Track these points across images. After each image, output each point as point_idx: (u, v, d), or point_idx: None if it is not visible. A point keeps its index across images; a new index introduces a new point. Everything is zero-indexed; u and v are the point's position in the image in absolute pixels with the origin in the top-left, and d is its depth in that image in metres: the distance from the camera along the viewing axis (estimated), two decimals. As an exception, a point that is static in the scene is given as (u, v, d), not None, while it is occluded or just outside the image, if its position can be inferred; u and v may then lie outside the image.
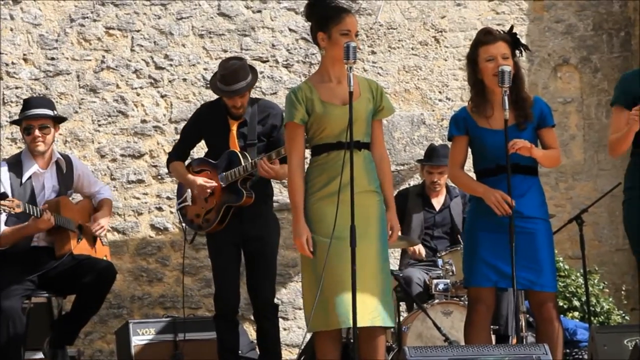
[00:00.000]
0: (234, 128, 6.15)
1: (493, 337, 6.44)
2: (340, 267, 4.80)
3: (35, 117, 6.29)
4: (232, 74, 6.07)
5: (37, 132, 6.27)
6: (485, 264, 5.11)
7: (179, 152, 6.37)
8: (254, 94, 8.55)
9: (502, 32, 5.23)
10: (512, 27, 5.28)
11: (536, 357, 4.60)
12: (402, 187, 8.11)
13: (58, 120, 6.47)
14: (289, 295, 8.50)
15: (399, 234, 5.51)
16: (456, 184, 5.41)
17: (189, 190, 6.23)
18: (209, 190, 6.11)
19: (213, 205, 6.12)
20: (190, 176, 6.20)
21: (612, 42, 8.81)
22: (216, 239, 6.15)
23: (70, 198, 6.53)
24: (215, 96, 6.35)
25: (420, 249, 7.14)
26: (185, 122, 6.58)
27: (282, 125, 6.13)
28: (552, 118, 5.29)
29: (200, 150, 6.92)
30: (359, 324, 4.75)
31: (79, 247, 6.37)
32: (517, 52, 5.25)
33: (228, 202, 6.06)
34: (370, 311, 4.83)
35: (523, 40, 8.69)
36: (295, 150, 4.99)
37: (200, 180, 6.14)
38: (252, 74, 6.19)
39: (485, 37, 5.19)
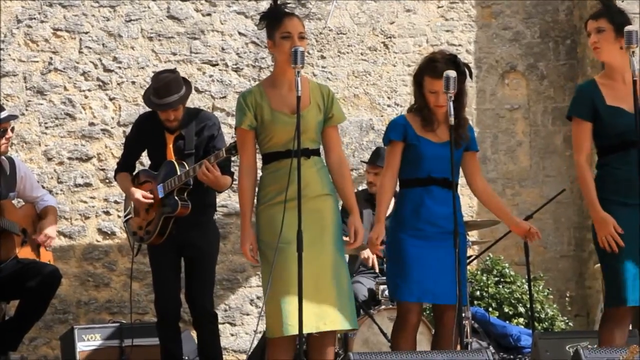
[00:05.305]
0: (170, 141, 6.12)
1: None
2: (292, 273, 4.79)
3: (7, 119, 6.34)
4: (165, 87, 6.02)
5: (10, 133, 6.33)
6: (409, 278, 5.17)
7: (124, 164, 6.33)
8: (204, 98, 8.55)
9: (447, 61, 5.22)
10: (456, 57, 5.29)
11: (479, 365, 4.65)
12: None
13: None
14: (237, 301, 8.49)
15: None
16: (381, 187, 5.40)
17: (132, 202, 6.21)
18: (145, 202, 6.08)
19: (153, 216, 6.09)
20: (131, 189, 6.17)
21: (558, 49, 8.91)
22: (155, 247, 6.13)
23: (14, 202, 6.47)
24: None
25: (373, 259, 7.10)
26: (128, 133, 6.54)
27: (218, 134, 6.15)
28: (476, 144, 5.44)
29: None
30: (311, 330, 4.77)
31: (23, 251, 6.31)
32: (463, 76, 5.27)
33: (165, 213, 6.04)
34: (324, 316, 4.83)
35: (471, 47, 8.89)
36: (245, 154, 4.99)
37: (137, 193, 6.11)
38: (185, 86, 6.12)
39: (432, 71, 5.22)
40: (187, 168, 6.00)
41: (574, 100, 5.21)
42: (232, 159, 6.21)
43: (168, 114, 6.05)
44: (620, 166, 5.06)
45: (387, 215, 5.34)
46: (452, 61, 5.24)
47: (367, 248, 7.03)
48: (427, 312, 6.40)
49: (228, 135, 7.79)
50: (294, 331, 4.77)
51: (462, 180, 5.49)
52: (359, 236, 4.99)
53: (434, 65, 5.24)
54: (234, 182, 7.70)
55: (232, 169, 6.18)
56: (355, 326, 4.98)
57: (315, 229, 4.83)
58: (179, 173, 5.99)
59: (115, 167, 6.45)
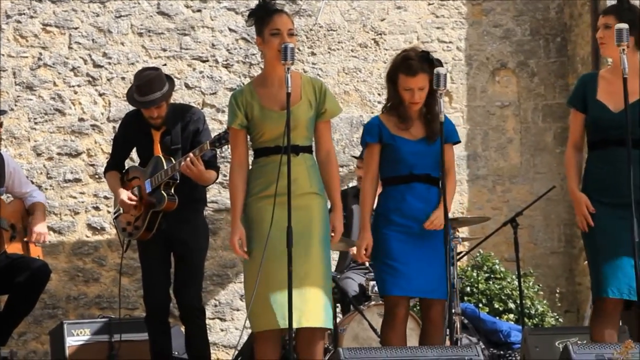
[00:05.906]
0: (157, 138, 6.10)
1: None
2: (280, 268, 4.81)
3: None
4: (147, 85, 6.00)
5: None
6: (394, 272, 5.19)
7: (112, 163, 6.32)
8: (194, 94, 8.54)
9: (421, 58, 5.23)
10: (429, 53, 5.30)
11: (468, 359, 4.65)
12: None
13: None
14: (227, 296, 8.48)
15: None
16: (363, 192, 5.41)
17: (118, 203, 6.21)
18: (130, 204, 6.07)
19: (141, 212, 6.08)
20: (118, 189, 6.15)
21: (548, 47, 8.93)
22: (145, 243, 6.12)
23: (3, 197, 6.45)
24: None
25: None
26: (115, 132, 6.53)
27: (204, 128, 6.13)
28: (457, 135, 5.45)
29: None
30: (301, 325, 4.79)
31: (12, 246, 6.30)
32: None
33: (152, 208, 6.03)
34: (312, 312, 4.85)
35: (462, 44, 8.88)
36: (236, 152, 5.03)
37: (123, 194, 6.10)
38: (168, 83, 6.10)
39: (406, 69, 5.23)
40: (173, 162, 5.99)
41: (573, 89, 5.32)
42: (220, 154, 6.20)
43: (151, 112, 6.04)
44: (598, 164, 5.13)
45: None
46: (426, 58, 5.25)
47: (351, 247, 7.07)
48: (417, 307, 6.41)
49: (217, 131, 7.78)
50: (278, 325, 4.80)
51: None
52: (336, 234, 5.03)
53: (408, 63, 5.25)
54: (224, 178, 7.72)
55: (218, 164, 6.17)
56: (331, 326, 5.00)
57: (303, 226, 4.84)
58: (165, 168, 5.98)
59: (105, 165, 6.43)
